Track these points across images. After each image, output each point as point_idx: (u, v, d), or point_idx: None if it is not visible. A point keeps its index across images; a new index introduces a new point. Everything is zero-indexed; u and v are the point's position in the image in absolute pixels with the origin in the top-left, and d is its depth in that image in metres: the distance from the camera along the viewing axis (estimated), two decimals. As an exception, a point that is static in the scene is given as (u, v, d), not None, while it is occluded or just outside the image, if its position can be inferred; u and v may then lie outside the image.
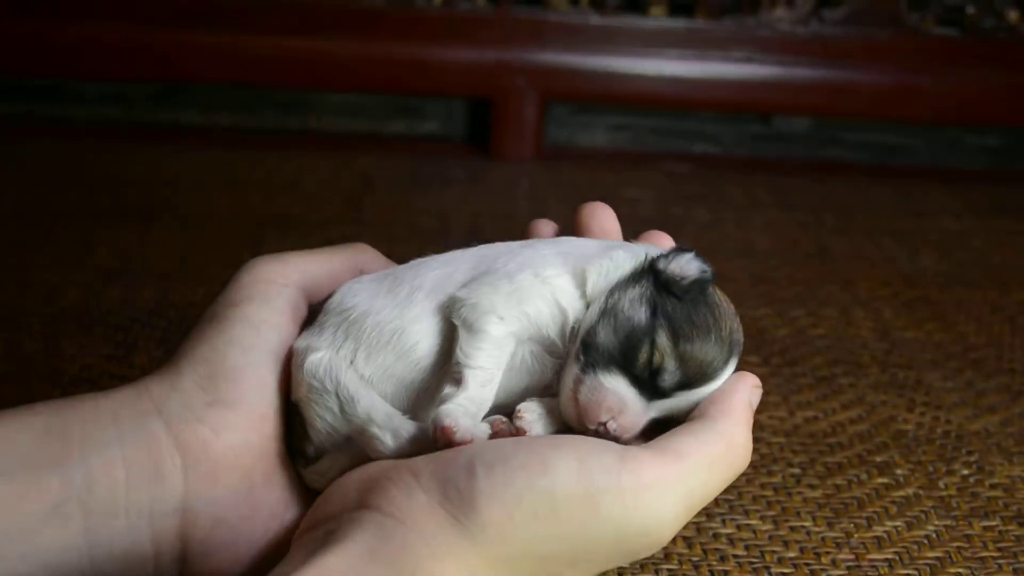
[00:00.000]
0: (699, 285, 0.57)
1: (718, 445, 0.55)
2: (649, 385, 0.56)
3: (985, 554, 0.75)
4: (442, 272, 0.61)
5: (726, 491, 0.79)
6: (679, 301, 0.57)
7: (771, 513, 0.78)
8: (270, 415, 0.60)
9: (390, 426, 0.57)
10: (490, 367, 0.57)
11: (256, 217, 1.23)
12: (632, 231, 1.23)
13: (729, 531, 0.76)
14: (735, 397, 0.57)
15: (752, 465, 0.83)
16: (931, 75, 1.48)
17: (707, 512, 0.77)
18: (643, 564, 0.72)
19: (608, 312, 0.57)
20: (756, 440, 0.86)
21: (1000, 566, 0.74)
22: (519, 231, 1.21)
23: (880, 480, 0.83)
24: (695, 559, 0.73)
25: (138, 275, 1.07)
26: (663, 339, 0.56)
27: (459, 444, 0.54)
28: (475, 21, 1.44)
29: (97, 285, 1.05)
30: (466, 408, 0.55)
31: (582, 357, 0.57)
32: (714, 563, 0.73)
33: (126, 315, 1.00)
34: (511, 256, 0.60)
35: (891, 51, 1.48)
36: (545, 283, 0.58)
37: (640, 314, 0.57)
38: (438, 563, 0.50)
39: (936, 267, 1.22)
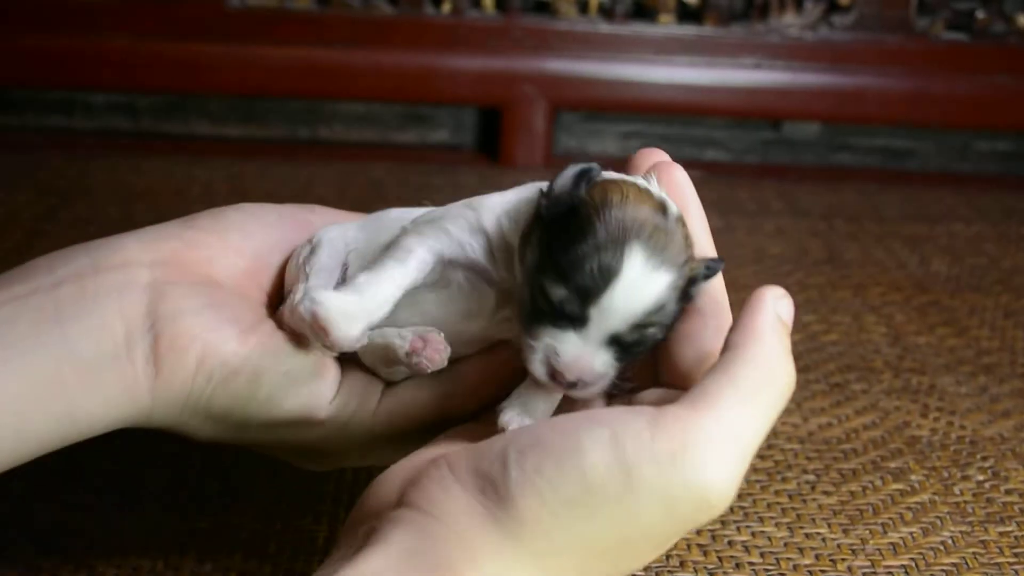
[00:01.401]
0: (563, 198, 0.55)
1: (752, 375, 0.50)
2: (564, 321, 0.54)
3: (1001, 560, 0.75)
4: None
5: (740, 498, 0.79)
6: (557, 223, 0.55)
7: (786, 520, 0.78)
8: (246, 252, 0.63)
9: (313, 289, 0.59)
10: (395, 276, 0.58)
11: (267, 227, 1.23)
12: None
13: (744, 538, 0.76)
14: (757, 316, 0.52)
15: (766, 472, 0.83)
16: (941, 80, 1.48)
17: (722, 519, 0.77)
18: (657, 572, 0.72)
19: (522, 267, 0.57)
20: (770, 447, 0.86)
21: (1016, 572, 0.74)
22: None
23: (895, 486, 0.82)
24: (710, 567, 0.73)
25: (149, 286, 1.07)
26: (547, 273, 0.54)
27: (328, 344, 0.57)
28: (484, 30, 1.44)
29: (108, 296, 1.05)
30: (345, 307, 0.57)
31: (520, 323, 0.56)
32: (729, 570, 0.73)
33: (138, 326, 0.99)
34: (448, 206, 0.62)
35: (901, 56, 1.47)
36: (470, 208, 0.60)
37: (534, 258, 0.55)
38: (477, 564, 0.48)
39: (948, 272, 1.21)
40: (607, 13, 1.45)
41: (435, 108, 1.54)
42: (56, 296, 0.57)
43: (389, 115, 1.54)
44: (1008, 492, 0.83)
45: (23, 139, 1.49)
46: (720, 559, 0.74)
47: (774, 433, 0.88)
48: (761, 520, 0.78)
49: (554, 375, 0.55)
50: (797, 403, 0.93)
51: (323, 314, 0.56)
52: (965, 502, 0.81)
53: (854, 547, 0.75)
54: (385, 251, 0.59)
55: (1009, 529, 0.78)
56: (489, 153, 1.52)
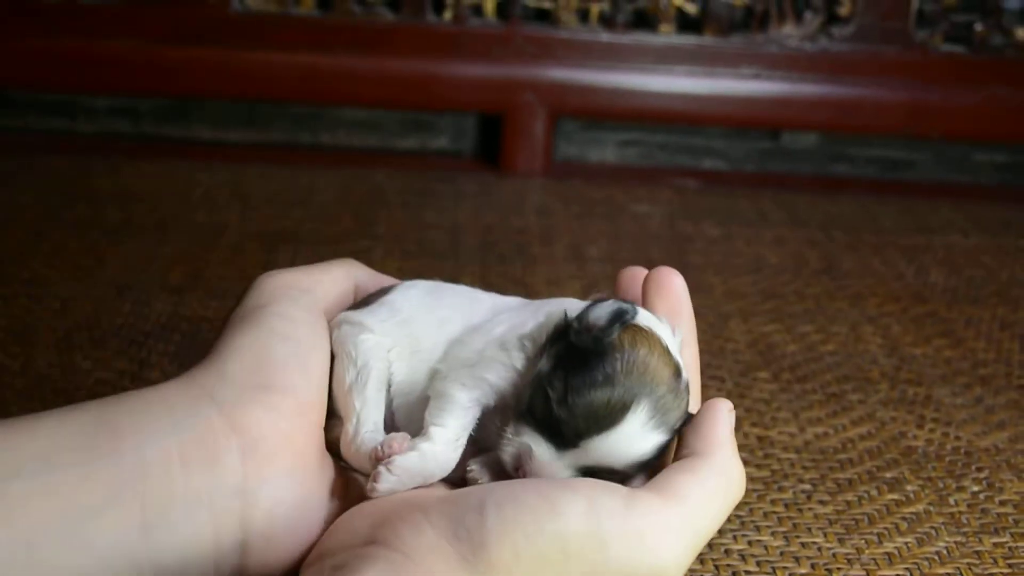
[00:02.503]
0: (595, 334, 0.57)
1: (716, 481, 0.56)
2: (552, 435, 0.57)
3: (996, 571, 0.75)
4: (467, 310, 0.65)
5: (738, 507, 0.79)
6: (583, 352, 0.57)
7: (782, 529, 0.78)
8: (316, 403, 0.60)
9: (362, 429, 0.60)
10: (455, 427, 0.59)
11: (268, 232, 1.24)
12: (642, 247, 1.24)
13: (741, 547, 0.76)
14: (718, 428, 0.57)
15: (763, 481, 0.84)
16: (940, 92, 1.49)
17: (719, 529, 0.77)
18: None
19: (531, 368, 0.60)
20: (767, 456, 0.87)
21: (1011, 583, 0.74)
22: (529, 246, 1.22)
23: (890, 496, 0.83)
24: (707, 575, 0.73)
25: (150, 289, 1.08)
26: (552, 388, 0.57)
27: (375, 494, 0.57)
28: (486, 37, 1.44)
29: (109, 299, 1.05)
30: (413, 466, 0.58)
31: (513, 415, 0.59)
32: (726, 579, 0.73)
33: (139, 329, 1.00)
34: (483, 332, 0.63)
35: (899, 68, 1.48)
36: (503, 350, 0.61)
37: (544, 367, 0.58)
38: None
39: (945, 283, 1.22)
40: (608, 22, 1.46)
41: (436, 115, 1.55)
42: (143, 491, 0.54)
43: (390, 121, 1.54)
44: (1003, 503, 0.83)
45: (25, 141, 1.49)
46: (716, 567, 0.74)
47: (771, 442, 0.89)
48: (757, 529, 0.78)
49: (518, 469, 0.58)
50: (794, 412, 0.93)
51: (394, 477, 0.58)
52: (960, 513, 0.82)
53: (850, 557, 0.76)
54: (436, 404, 0.60)
55: (1003, 540, 0.79)
56: (489, 160, 1.53)
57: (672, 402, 0.58)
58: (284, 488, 0.58)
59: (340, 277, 0.67)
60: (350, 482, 0.61)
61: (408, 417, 0.63)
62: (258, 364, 0.59)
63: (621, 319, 0.57)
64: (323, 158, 1.50)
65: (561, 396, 0.56)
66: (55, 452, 0.52)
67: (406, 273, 1.13)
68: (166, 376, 0.91)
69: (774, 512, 0.80)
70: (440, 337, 0.63)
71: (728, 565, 0.74)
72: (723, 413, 0.58)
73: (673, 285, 0.63)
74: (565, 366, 0.57)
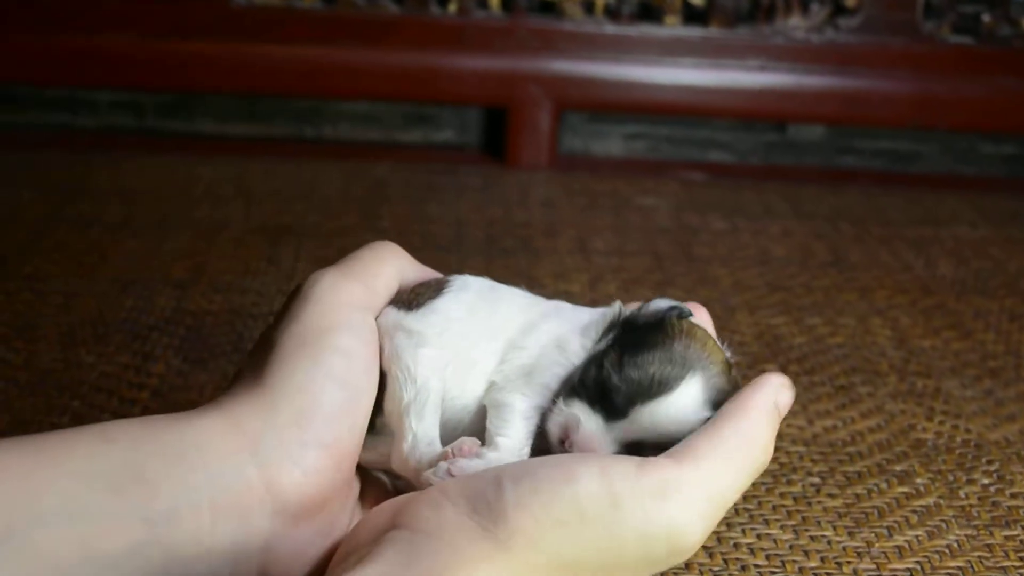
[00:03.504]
0: (657, 314, 0.60)
1: (735, 443, 0.55)
2: (603, 406, 0.58)
3: (1007, 563, 0.75)
4: (522, 316, 0.64)
5: (746, 500, 0.79)
6: (638, 332, 0.59)
7: (791, 523, 0.78)
8: (356, 451, 0.59)
9: (421, 444, 0.60)
10: (519, 437, 0.59)
11: (271, 226, 1.23)
12: (648, 240, 1.24)
13: (749, 541, 0.75)
14: (754, 395, 0.57)
15: (772, 474, 0.83)
16: (947, 83, 1.48)
17: (727, 522, 0.77)
18: (663, 575, 0.72)
19: (587, 352, 0.61)
20: (775, 449, 0.85)
21: (1022, 575, 0.74)
22: (534, 239, 1.21)
23: (900, 489, 0.82)
24: (716, 569, 0.72)
25: (153, 284, 1.07)
26: (609, 359, 0.58)
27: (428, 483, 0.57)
28: (490, 30, 1.44)
29: (112, 294, 1.05)
30: (474, 471, 0.57)
31: (560, 389, 0.60)
32: (735, 573, 0.72)
33: (143, 324, 1.00)
34: (538, 334, 0.63)
35: (907, 59, 1.47)
36: (559, 350, 0.62)
37: (601, 347, 0.60)
38: (470, 571, 0.50)
39: (953, 275, 1.21)
40: (613, 14, 1.45)
41: (440, 108, 1.54)
42: (169, 544, 0.53)
43: (394, 115, 1.54)
44: (1013, 496, 0.82)
45: (27, 137, 1.49)
46: (725, 561, 0.73)
47: (780, 436, 0.88)
48: (767, 522, 0.77)
49: (563, 441, 0.58)
50: (803, 405, 0.93)
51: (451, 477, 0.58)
52: (970, 506, 0.81)
53: (859, 550, 0.75)
54: (497, 414, 0.60)
55: (1014, 533, 0.78)
56: (494, 153, 1.52)
57: (722, 383, 0.59)
58: (308, 544, 0.58)
59: (392, 277, 0.65)
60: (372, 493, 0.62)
61: (456, 425, 0.62)
62: (309, 415, 0.56)
63: (679, 310, 0.60)
64: (326, 152, 1.50)
65: (616, 365, 0.58)
66: (83, 496, 0.51)
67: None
68: (170, 370, 0.91)
69: (783, 505, 0.80)
70: (495, 345, 0.63)
71: (737, 559, 0.74)
72: (769, 383, 0.58)
73: (700, 319, 0.64)
74: (622, 343, 0.59)
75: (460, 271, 0.68)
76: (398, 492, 0.61)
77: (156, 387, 0.89)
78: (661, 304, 0.61)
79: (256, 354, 0.59)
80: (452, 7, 1.44)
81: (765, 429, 0.56)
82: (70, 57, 1.43)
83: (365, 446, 0.60)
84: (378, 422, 0.61)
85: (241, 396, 0.57)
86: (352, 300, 0.61)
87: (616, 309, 0.63)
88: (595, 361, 0.59)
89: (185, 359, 0.94)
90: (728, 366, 0.60)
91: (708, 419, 0.57)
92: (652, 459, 0.54)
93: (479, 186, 1.41)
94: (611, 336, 0.61)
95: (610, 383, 0.58)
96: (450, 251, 1.19)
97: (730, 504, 0.55)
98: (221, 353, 0.95)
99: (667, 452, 0.55)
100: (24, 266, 1.10)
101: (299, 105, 1.53)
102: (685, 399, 0.57)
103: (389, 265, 0.65)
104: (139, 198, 1.29)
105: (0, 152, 1.43)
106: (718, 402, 0.58)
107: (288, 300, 0.61)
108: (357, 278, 0.62)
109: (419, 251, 1.16)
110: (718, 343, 0.61)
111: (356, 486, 0.61)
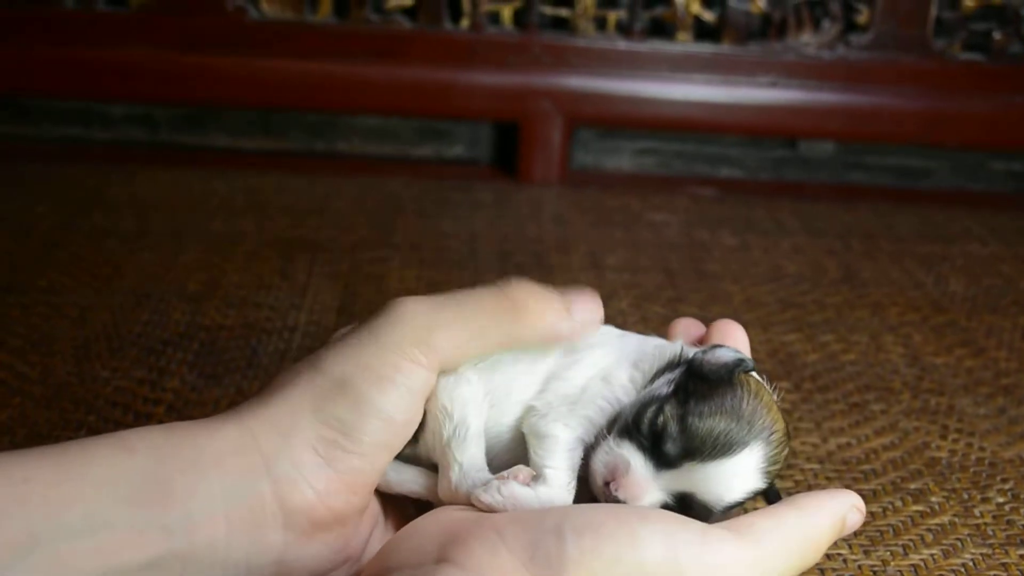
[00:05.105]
0: (727, 368, 0.58)
1: (796, 535, 0.55)
2: (655, 453, 0.57)
3: (1023, 583, 0.75)
4: (565, 347, 0.63)
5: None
6: (704, 382, 0.58)
7: (806, 541, 0.78)
8: (373, 481, 0.58)
9: (471, 472, 0.59)
10: (566, 469, 0.59)
11: (284, 240, 1.23)
12: (659, 256, 1.24)
13: (765, 559, 0.75)
14: (829, 501, 0.57)
15: (786, 492, 0.83)
16: (957, 100, 1.48)
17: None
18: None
19: (642, 394, 0.60)
20: (790, 467, 0.86)
21: (1038, 595, 0.74)
22: (546, 255, 1.22)
23: (915, 508, 0.82)
24: (731, 587, 0.73)
25: (168, 297, 1.08)
26: (671, 406, 0.57)
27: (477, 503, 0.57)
28: (502, 46, 1.44)
29: (127, 307, 1.05)
30: (524, 499, 0.57)
31: (608, 429, 0.59)
32: (750, 591, 0.72)
33: (157, 338, 1.00)
34: (583, 365, 0.62)
35: (917, 76, 1.48)
36: (605, 383, 0.61)
37: (662, 390, 0.59)
38: None
39: (964, 293, 1.21)
40: (625, 30, 1.45)
41: (452, 123, 1.54)
42: (185, 555, 0.53)
43: (406, 129, 1.54)
44: (1028, 515, 0.83)
45: (41, 149, 1.49)
46: (741, 579, 0.73)
47: (794, 453, 0.88)
48: (782, 540, 0.77)
49: (608, 482, 0.57)
50: (816, 423, 0.93)
51: (500, 498, 0.57)
52: (985, 524, 0.81)
53: (876, 569, 0.75)
54: (541, 444, 0.59)
55: (1030, 552, 0.78)
56: (505, 168, 1.52)
57: (780, 455, 0.59)
58: (320, 559, 0.58)
59: (491, 345, 0.61)
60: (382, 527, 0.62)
61: (490, 451, 0.62)
62: (333, 446, 0.56)
63: (744, 364, 0.59)
64: (339, 166, 1.50)
65: (681, 414, 0.57)
66: (104, 507, 0.52)
67: (425, 283, 1.14)
68: (185, 385, 0.92)
69: (798, 523, 0.79)
70: (535, 376, 0.62)
71: (753, 577, 0.74)
72: (848, 498, 0.58)
73: (737, 338, 0.65)
74: (688, 390, 0.58)
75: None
76: (419, 511, 0.61)
77: (171, 402, 0.89)
78: (728, 355, 0.59)
79: (304, 365, 0.59)
80: (465, 23, 1.44)
81: (826, 534, 0.56)
82: (84, 70, 1.43)
83: (391, 472, 0.61)
84: (407, 450, 0.60)
85: (260, 413, 0.57)
86: (419, 358, 0.58)
87: (678, 349, 0.62)
88: (652, 403, 0.58)
89: (200, 374, 0.94)
90: (787, 436, 0.60)
91: (760, 491, 0.58)
92: (716, 531, 0.53)
93: (491, 201, 1.41)
94: (669, 378, 0.59)
95: (668, 432, 0.56)
96: (464, 267, 1.20)
97: None
98: (235, 368, 0.95)
99: (729, 525, 0.55)
100: (39, 279, 1.10)
101: (312, 119, 1.53)
102: (744, 467, 0.57)
103: (497, 327, 0.61)
104: (153, 211, 1.30)
105: (14, 164, 1.44)
106: (772, 473, 0.58)
107: (367, 320, 0.60)
108: (437, 324, 0.59)
109: (432, 266, 1.18)
110: (774, 399, 0.60)
111: (375, 504, 0.61)
